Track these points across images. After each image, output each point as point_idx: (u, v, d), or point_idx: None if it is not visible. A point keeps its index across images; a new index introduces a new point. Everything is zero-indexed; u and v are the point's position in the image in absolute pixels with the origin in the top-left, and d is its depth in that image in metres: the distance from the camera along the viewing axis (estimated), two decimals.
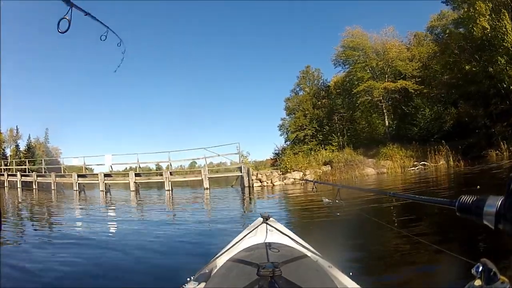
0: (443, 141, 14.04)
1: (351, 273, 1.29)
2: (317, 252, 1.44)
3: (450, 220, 3.55)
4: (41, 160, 23.84)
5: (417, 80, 19.71)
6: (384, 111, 21.40)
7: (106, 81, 49.93)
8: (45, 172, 21.37)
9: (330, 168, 14.65)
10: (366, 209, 5.38)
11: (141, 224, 6.56)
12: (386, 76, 20.74)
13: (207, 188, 14.40)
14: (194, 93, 55.14)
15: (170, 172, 15.62)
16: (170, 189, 15.06)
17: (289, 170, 14.41)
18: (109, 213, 9.08)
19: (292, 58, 45.43)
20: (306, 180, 12.09)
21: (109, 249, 4.12)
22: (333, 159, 15.04)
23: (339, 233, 3.61)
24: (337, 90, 24.56)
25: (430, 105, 18.66)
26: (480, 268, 0.48)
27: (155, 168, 25.60)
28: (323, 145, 21.45)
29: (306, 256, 1.35)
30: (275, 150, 24.79)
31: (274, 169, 15.40)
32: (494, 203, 0.44)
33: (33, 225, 6.71)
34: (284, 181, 14.02)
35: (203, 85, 52.96)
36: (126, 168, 20.77)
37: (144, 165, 25.17)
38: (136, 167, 18.15)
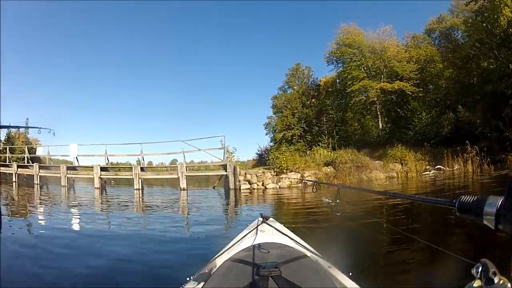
0: (467, 141, 11.26)
1: (350, 273, 1.15)
2: (316, 252, 1.31)
3: (450, 221, 3.39)
4: (21, 150, 20.00)
5: (414, 82, 17.17)
6: (378, 113, 18.68)
7: (99, 74, 44.41)
8: (9, 162, 18.11)
9: (332, 169, 11.39)
10: (366, 209, 4.90)
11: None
12: (382, 76, 18.09)
13: (184, 189, 10.83)
14: (180, 89, 49.14)
15: (141, 168, 11.86)
16: (140, 187, 11.38)
17: (284, 171, 11.01)
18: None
19: (279, 57, 40.69)
20: (306, 180, 9.20)
21: None
22: (335, 159, 11.77)
23: (339, 233, 3.27)
24: (329, 89, 21.67)
25: (427, 109, 16.40)
26: (480, 268, 0.43)
27: (135, 164, 21.63)
28: (311, 147, 18.28)
29: (305, 256, 1.22)
30: (258, 150, 21.45)
31: (266, 168, 11.93)
32: (494, 203, 0.40)
33: None
34: (279, 183, 10.66)
35: (188, 81, 47.45)
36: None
37: (125, 160, 21.19)
38: (108, 160, 14.22)
